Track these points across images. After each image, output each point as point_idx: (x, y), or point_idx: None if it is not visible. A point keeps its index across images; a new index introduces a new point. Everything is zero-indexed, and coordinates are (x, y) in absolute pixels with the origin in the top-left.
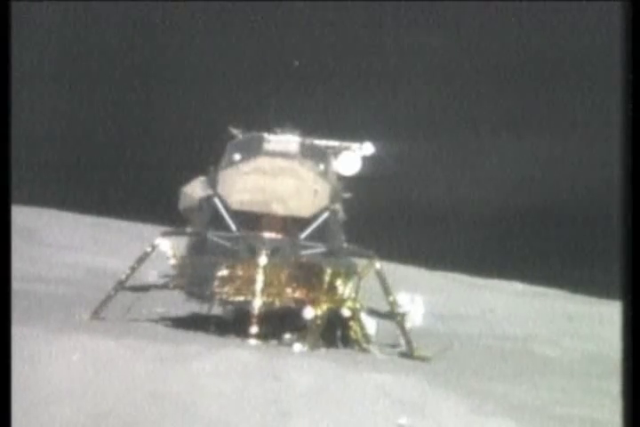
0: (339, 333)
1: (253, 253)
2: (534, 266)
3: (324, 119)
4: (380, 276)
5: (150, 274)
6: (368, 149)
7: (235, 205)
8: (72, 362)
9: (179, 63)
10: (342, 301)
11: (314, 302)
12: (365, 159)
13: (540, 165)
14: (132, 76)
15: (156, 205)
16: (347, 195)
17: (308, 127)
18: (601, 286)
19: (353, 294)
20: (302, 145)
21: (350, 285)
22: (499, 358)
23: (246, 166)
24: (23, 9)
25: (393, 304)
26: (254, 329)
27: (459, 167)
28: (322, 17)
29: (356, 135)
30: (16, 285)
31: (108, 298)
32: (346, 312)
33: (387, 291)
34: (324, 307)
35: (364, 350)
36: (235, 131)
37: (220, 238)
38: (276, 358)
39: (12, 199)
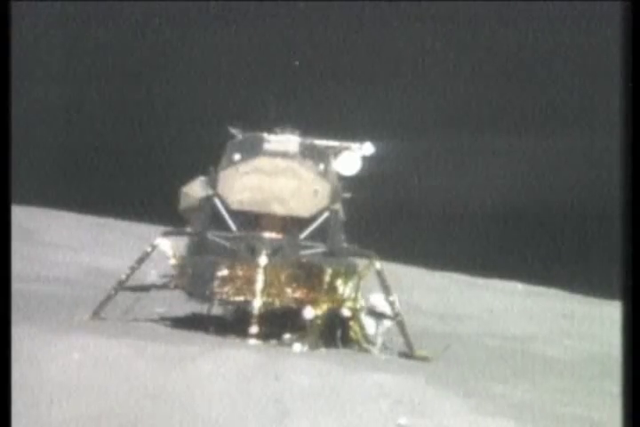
0: (339, 333)
1: (253, 253)
2: (534, 266)
3: (324, 119)
4: (380, 276)
5: (150, 274)
6: (368, 149)
7: (235, 205)
8: (72, 362)
9: (179, 63)
10: (342, 301)
11: (314, 302)
12: (365, 159)
13: (541, 165)
14: (132, 76)
15: (156, 205)
16: (347, 195)
17: (308, 127)
18: (601, 286)
19: (353, 294)
20: (302, 145)
21: (350, 285)
22: (499, 358)
23: (246, 166)
24: (23, 9)
25: (393, 304)
26: (254, 329)
27: (459, 167)
28: (322, 17)
29: (356, 135)
30: (16, 285)
31: (108, 298)
32: (346, 312)
33: (387, 291)
34: (324, 307)
35: (364, 350)
36: (235, 131)
37: (220, 238)
38: (276, 358)
39: (12, 199)
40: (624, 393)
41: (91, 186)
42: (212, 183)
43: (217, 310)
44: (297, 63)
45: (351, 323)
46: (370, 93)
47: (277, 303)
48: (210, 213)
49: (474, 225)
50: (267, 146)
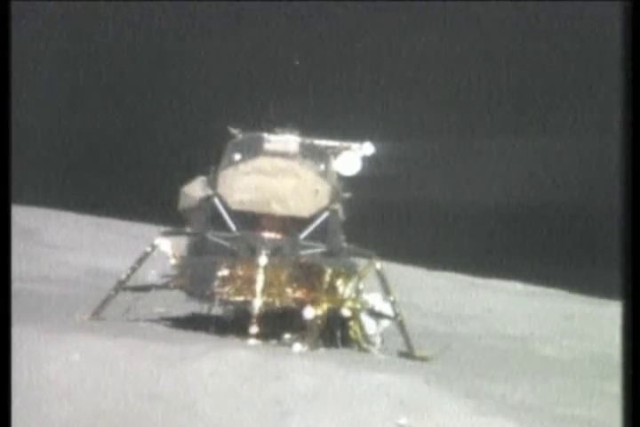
0: (339, 333)
1: (253, 253)
2: (534, 266)
3: (324, 119)
4: (380, 276)
5: (150, 274)
6: (368, 149)
7: (235, 205)
8: (72, 362)
9: (179, 63)
10: (342, 301)
11: (314, 302)
12: (365, 159)
13: (540, 164)
14: (132, 77)
15: (156, 205)
16: (347, 195)
17: (308, 127)
18: (601, 286)
19: (353, 294)
20: (302, 145)
21: (350, 285)
22: (499, 358)
23: (246, 166)
24: (23, 9)
25: (394, 304)
26: (254, 329)
27: (459, 167)
28: (322, 17)
29: (356, 135)
30: (16, 285)
31: (108, 298)
32: (346, 312)
33: (387, 291)
34: (324, 307)
35: (364, 350)
36: (235, 131)
37: (220, 238)
38: (276, 358)
39: (12, 199)
40: (624, 393)
41: (90, 186)
42: (212, 183)
43: (217, 310)
44: (297, 63)
45: (351, 323)
46: (370, 93)
47: (277, 303)
48: (210, 213)
49: (474, 225)
50: (267, 146)
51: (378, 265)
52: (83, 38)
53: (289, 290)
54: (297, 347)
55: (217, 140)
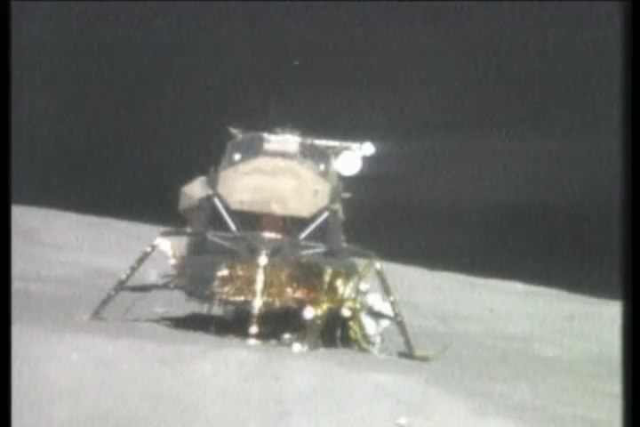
0: (339, 333)
1: (253, 253)
2: (534, 266)
3: (324, 119)
4: (380, 276)
5: (150, 274)
6: (368, 149)
7: (235, 205)
8: (72, 362)
9: (179, 63)
10: (342, 301)
11: (314, 302)
12: (365, 159)
13: (540, 164)
14: (132, 76)
15: (156, 205)
16: (347, 195)
17: (308, 127)
18: (601, 286)
19: (353, 294)
20: (302, 145)
21: (350, 285)
22: (499, 358)
23: (246, 166)
24: (23, 9)
25: (394, 304)
26: (254, 329)
27: (459, 167)
28: (322, 17)
29: (356, 135)
30: (16, 284)
31: (108, 298)
32: (346, 312)
33: (387, 291)
34: (324, 307)
35: (364, 350)
36: (235, 131)
37: (220, 238)
38: (276, 358)
39: (12, 199)
40: (624, 393)
41: (90, 186)
42: (212, 183)
43: (217, 310)
44: (297, 63)
45: (351, 323)
46: (370, 93)
47: (277, 303)
48: (210, 213)
49: (474, 225)
50: (267, 146)
51: (378, 265)
52: (83, 38)
53: (289, 290)
54: (297, 347)
55: (217, 141)
